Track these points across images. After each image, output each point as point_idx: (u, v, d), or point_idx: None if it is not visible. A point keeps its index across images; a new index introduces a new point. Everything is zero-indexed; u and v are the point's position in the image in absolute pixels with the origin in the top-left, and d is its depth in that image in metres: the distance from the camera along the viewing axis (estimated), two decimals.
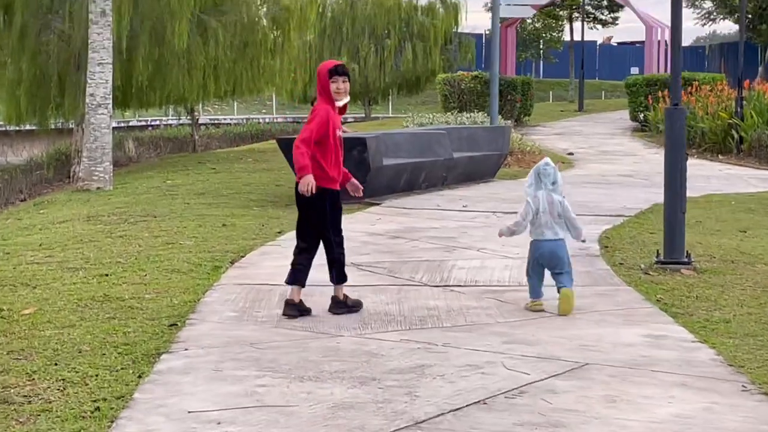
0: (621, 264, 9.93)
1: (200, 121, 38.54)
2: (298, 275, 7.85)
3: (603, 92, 64.07)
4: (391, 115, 59.45)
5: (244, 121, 52.47)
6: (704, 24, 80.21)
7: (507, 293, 8.45)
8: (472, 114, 28.41)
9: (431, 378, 5.87)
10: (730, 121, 25.63)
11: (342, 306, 7.77)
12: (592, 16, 54.73)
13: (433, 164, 16.80)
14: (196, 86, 23.54)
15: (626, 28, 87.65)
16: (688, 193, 10.36)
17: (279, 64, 26.97)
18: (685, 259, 9.79)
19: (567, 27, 60.50)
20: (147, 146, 31.42)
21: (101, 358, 6.36)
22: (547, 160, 8.02)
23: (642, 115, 34.68)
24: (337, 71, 7.65)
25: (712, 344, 6.71)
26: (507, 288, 8.70)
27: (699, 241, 11.25)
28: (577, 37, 55.23)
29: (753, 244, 11.53)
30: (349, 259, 8.94)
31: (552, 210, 7.81)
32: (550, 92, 59.06)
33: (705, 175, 20.72)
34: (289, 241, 11.36)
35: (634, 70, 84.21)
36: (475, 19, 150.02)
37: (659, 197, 16.16)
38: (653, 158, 25.46)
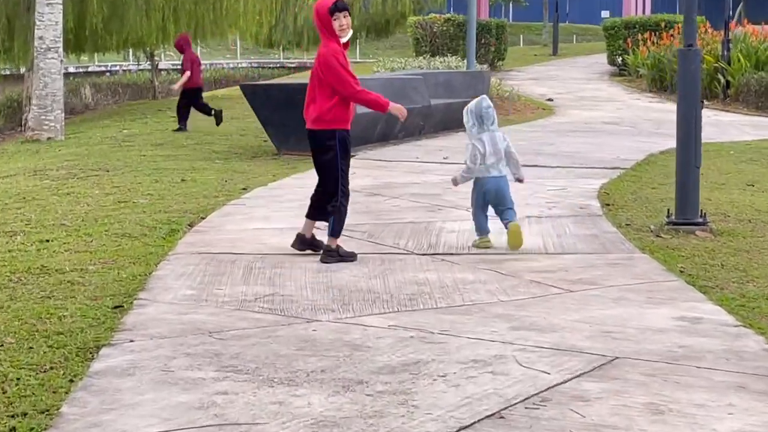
0: (628, 225, 8.87)
1: (161, 67, 37.19)
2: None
3: (574, 36, 62.84)
4: (358, 59, 58.21)
5: (208, 66, 51.01)
6: None
7: (505, 262, 7.38)
8: (445, 58, 27.24)
9: (430, 380, 4.79)
10: (716, 64, 24.57)
11: (334, 254, 7.43)
12: None
13: (409, 112, 15.61)
14: (155, 29, 22.21)
15: None
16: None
17: (243, 6, 25.63)
18: (700, 219, 8.74)
19: None
20: (105, 93, 30.08)
21: (27, 354, 5.24)
22: (486, 100, 8.07)
23: (620, 58, 33.58)
24: (338, 7, 7.35)
25: (759, 329, 5.67)
26: (504, 256, 7.63)
27: (707, 197, 10.20)
28: None
29: (767, 200, 10.51)
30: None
31: (497, 150, 7.93)
32: (521, 36, 57.80)
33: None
34: (254, 199, 10.27)
35: (605, 14, 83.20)
36: None
37: (652, 146, 15.28)
38: (635, 104, 24.48)
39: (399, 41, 58.50)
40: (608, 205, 9.93)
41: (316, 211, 7.73)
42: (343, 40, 7.49)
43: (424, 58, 28.17)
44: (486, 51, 32.42)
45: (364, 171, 12.36)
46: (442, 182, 11.43)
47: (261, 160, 13.84)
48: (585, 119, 20.25)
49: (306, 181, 11.46)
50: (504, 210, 7.94)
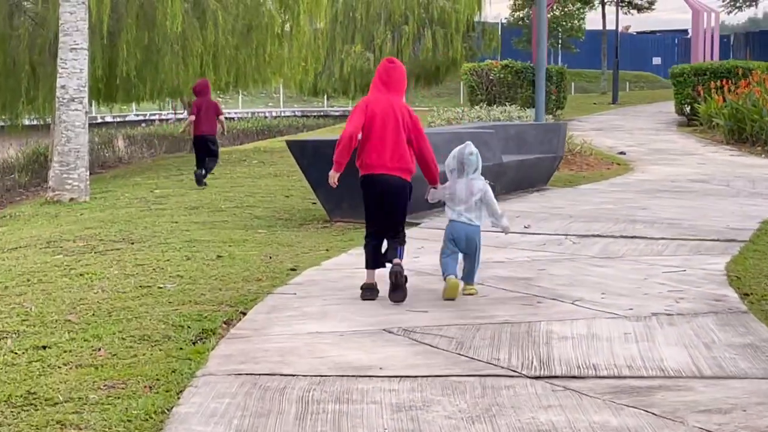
0: None
1: None
2: None
3: (627, 83, 61.09)
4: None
5: (249, 115, 49.56)
6: (729, 12, 77.53)
7: (655, 393, 5.46)
8: (505, 108, 25.44)
9: None
10: None
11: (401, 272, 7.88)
12: (627, 1, 51.45)
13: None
14: (192, 76, 20.48)
15: (643, 18, 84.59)
16: None
17: (288, 52, 23.96)
18: None
19: (588, 15, 57.43)
20: (139, 145, 28.45)
21: None
22: (470, 147, 8.06)
23: (689, 107, 31.66)
24: None
25: None
26: (647, 381, 5.71)
27: None
28: (600, 25, 52.25)
29: None
30: (393, 317, 6.36)
31: (469, 199, 7.98)
32: (572, 83, 56.04)
33: None
34: (306, 286, 8.44)
35: (656, 60, 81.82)
36: (494, 8, 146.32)
37: (760, 211, 13.34)
38: (716, 158, 22.51)
39: (446, 89, 56.87)
40: (747, 295, 7.99)
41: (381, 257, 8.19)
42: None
43: (481, 107, 26.39)
44: (546, 99, 30.57)
45: (434, 244, 10.51)
46: (530, 260, 9.58)
47: (310, 229, 12.03)
48: (668, 176, 18.31)
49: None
50: (467, 263, 8.07)
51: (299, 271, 9.15)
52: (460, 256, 8.06)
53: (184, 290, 8.34)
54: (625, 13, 52.05)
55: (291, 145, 12.53)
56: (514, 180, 14.98)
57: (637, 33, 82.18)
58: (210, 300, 7.95)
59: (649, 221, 12.14)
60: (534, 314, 7.30)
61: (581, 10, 59.51)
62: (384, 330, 6.84)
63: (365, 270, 8.11)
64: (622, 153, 23.19)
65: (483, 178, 8.10)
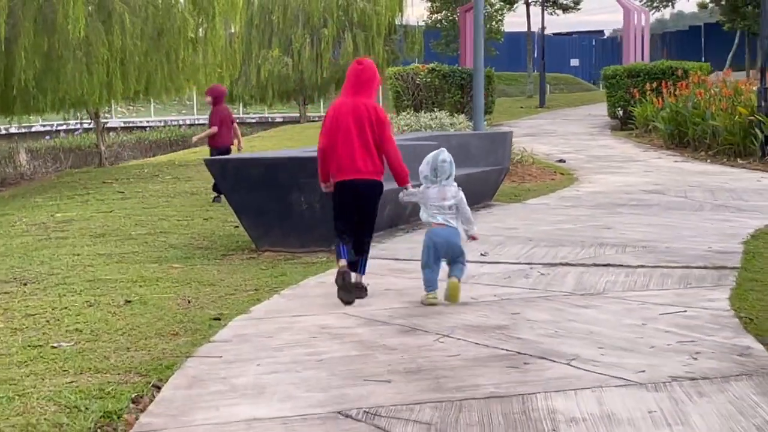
0: None
1: (111, 124, 33.75)
2: None
3: (548, 86, 60.23)
4: (322, 114, 54.98)
5: (162, 124, 47.69)
6: (652, 11, 77.40)
7: None
8: (434, 114, 24.04)
9: None
10: (752, 117, 21.47)
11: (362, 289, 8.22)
12: (551, 1, 50.41)
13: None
14: (98, 85, 18.77)
15: (557, 20, 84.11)
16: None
17: (202, 58, 22.32)
18: None
19: (507, 17, 56.55)
20: (44, 158, 26.52)
21: None
22: (444, 154, 8.14)
23: (621, 110, 30.64)
24: None
25: None
26: None
27: None
28: (516, 27, 51.27)
29: None
30: (349, 390, 5.36)
31: (442, 204, 8.00)
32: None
33: (748, 189, 16.55)
34: (235, 344, 6.90)
35: (574, 62, 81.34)
36: (413, 11, 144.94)
37: (735, 227, 12.04)
38: (662, 164, 21.38)
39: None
40: None
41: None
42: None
43: (408, 113, 24.98)
44: None
45: (380, 279, 9.05)
46: (498, 300, 8.13)
47: (234, 261, 10.47)
48: (619, 187, 17.04)
49: (304, 302, 8.16)
50: (453, 263, 8.06)
51: (225, 321, 7.61)
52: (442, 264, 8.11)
53: (83, 351, 6.77)
54: (551, 14, 51.02)
55: (211, 164, 10.95)
56: None
57: (554, 35, 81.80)
58: (115, 366, 6.39)
59: (620, 244, 10.78)
60: (524, 381, 5.83)
61: (500, 12, 58.58)
62: (340, 413, 5.33)
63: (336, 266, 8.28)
64: (561, 161, 21.95)
65: (456, 184, 8.12)
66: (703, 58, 50.46)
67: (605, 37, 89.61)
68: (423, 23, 49.73)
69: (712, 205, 14.50)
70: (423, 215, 8.15)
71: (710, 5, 53.07)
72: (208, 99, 16.67)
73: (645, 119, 27.74)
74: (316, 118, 48.44)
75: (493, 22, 58.89)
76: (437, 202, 8.01)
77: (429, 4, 53.35)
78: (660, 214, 13.46)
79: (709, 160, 21.94)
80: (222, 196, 14.02)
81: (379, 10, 37.74)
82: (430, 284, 8.00)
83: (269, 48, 38.29)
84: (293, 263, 10.17)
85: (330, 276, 9.27)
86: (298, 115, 43.34)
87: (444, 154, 8.12)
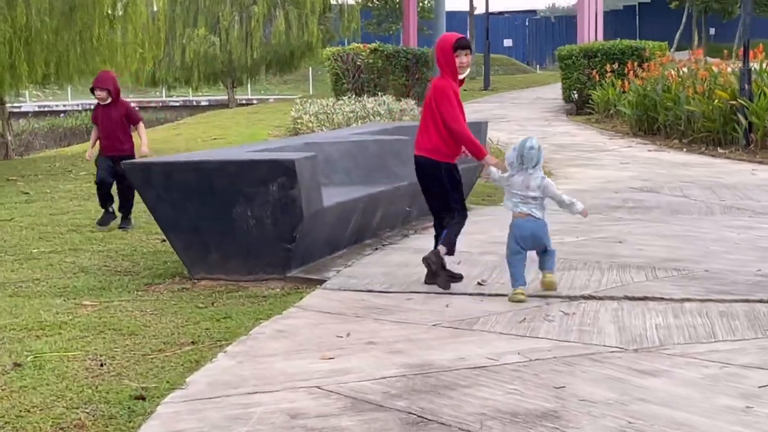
0: None
1: (24, 109, 31.15)
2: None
3: (481, 67, 58.44)
4: (250, 95, 52.54)
5: (79, 108, 44.99)
6: None
7: None
8: (380, 99, 21.94)
9: None
10: (733, 102, 19.60)
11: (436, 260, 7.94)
12: None
13: (393, 194, 10.25)
14: None
15: None
16: None
17: (121, 37, 19.91)
18: None
19: None
20: None
21: None
22: (532, 140, 7.76)
23: (576, 93, 28.76)
24: (461, 45, 7.86)
25: None
26: None
27: None
28: (451, 6, 49.15)
29: None
30: None
31: (526, 194, 7.70)
32: None
33: (749, 184, 14.67)
34: None
35: (508, 42, 79.76)
36: None
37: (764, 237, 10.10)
38: (636, 154, 19.50)
39: (293, 75, 53.03)
40: None
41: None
42: (461, 76, 8.01)
43: (349, 97, 22.82)
44: (423, 86, 27.25)
45: (358, 325, 6.92)
46: (527, 364, 6.02)
47: (162, 294, 8.24)
48: (602, 184, 15.06)
49: (260, 368, 5.99)
50: (542, 255, 7.91)
51: (150, 402, 5.42)
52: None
53: None
54: None
55: (131, 169, 8.65)
56: None
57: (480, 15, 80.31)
58: None
59: (645, 265, 8.74)
60: None
61: None
62: None
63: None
64: None
65: (542, 173, 7.82)
66: (638, 39, 49.00)
67: (538, 17, 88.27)
68: (358, 2, 47.57)
69: (721, 206, 12.56)
70: (507, 203, 7.87)
71: None
72: (102, 94, 11.47)
73: (606, 103, 25.90)
74: (245, 102, 46.08)
75: (426, 1, 57.07)
76: (521, 191, 7.70)
77: None
78: (668, 220, 11.47)
79: (685, 149, 20.08)
80: (131, 218, 11.57)
81: None
82: (518, 279, 7.66)
83: (195, 27, 35.84)
84: (238, 297, 7.98)
85: (289, 319, 7.14)
86: (226, 98, 40.95)
87: (532, 141, 7.72)
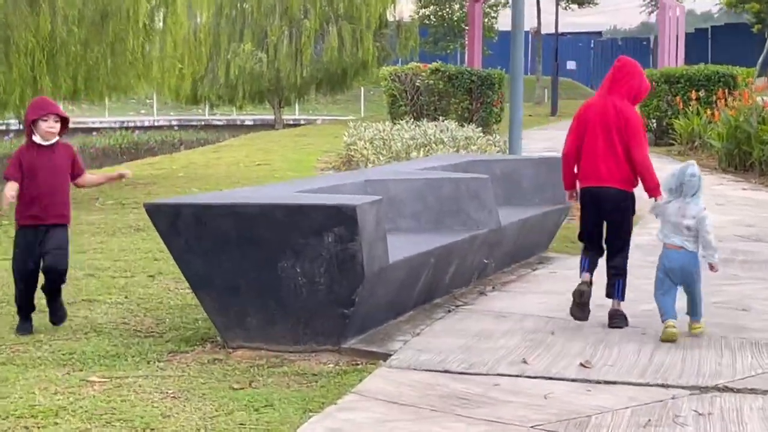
0: None
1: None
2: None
3: (545, 90, 57.16)
4: (297, 116, 51.46)
5: (117, 125, 44.20)
6: (651, 11, 74.90)
7: None
8: (445, 125, 20.66)
9: None
10: None
11: (621, 318, 7.86)
12: None
13: (470, 244, 8.94)
14: (19, 82, 15.13)
15: (550, 19, 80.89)
16: None
17: (159, 50, 18.79)
18: None
19: (503, 12, 53.61)
20: None
21: None
22: (694, 168, 7.65)
23: (654, 122, 27.32)
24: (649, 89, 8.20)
25: None
26: None
27: None
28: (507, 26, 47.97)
29: None
30: None
31: (680, 222, 7.55)
32: None
33: None
34: None
35: (571, 65, 78.48)
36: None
37: None
38: (730, 194, 18.05)
39: (344, 95, 51.85)
40: None
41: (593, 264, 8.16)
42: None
43: (407, 121, 21.57)
44: (488, 111, 25.96)
45: (435, 427, 5.63)
46: None
47: (189, 368, 6.97)
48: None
49: None
50: (688, 297, 7.68)
51: None
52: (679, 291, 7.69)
53: None
54: (564, 8, 47.80)
55: (154, 212, 7.37)
56: (511, 249, 10.13)
57: (547, 35, 79.10)
58: None
59: None
60: None
61: (496, 8, 55.68)
62: None
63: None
64: None
65: (702, 202, 7.68)
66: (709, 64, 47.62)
67: (603, 38, 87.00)
68: (415, 18, 46.47)
69: None
70: (659, 234, 7.73)
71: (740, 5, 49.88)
72: (56, 127, 7.73)
73: (690, 134, 24.44)
74: (292, 122, 44.99)
75: (486, 19, 55.87)
76: (675, 219, 7.57)
77: None
78: None
79: None
80: (30, 320, 7.99)
81: (369, 1, 34.26)
82: (667, 312, 7.51)
83: (240, 41, 34.78)
84: (282, 375, 6.70)
85: (347, 412, 5.85)
86: (273, 118, 39.86)
87: (693, 168, 7.61)
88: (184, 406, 6.03)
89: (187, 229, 7.22)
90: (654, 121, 27.48)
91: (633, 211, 8.04)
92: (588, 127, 7.86)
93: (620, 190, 7.81)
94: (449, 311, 8.38)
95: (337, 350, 7.14)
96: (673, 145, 25.68)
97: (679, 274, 7.56)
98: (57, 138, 7.80)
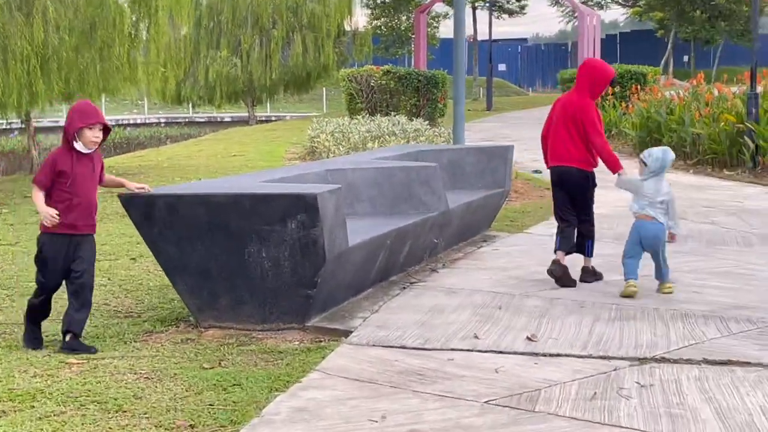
0: None
1: (45, 125, 29.11)
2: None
3: (480, 89, 56.59)
4: (269, 114, 50.58)
5: (114, 123, 43.15)
6: (568, 21, 74.45)
7: None
8: (397, 119, 20.05)
9: None
10: (740, 125, 17.68)
11: (590, 273, 7.94)
12: (498, 5, 46.44)
13: (422, 226, 8.32)
14: (15, 86, 14.33)
15: (481, 29, 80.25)
16: None
17: (143, 56, 18.00)
18: None
19: (443, 23, 53.10)
20: None
21: None
22: (672, 153, 7.62)
23: None
24: (614, 82, 8.11)
25: None
26: None
27: None
28: (450, 34, 47.41)
29: None
30: None
31: (655, 197, 7.48)
32: None
33: None
34: None
35: (502, 67, 77.88)
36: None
37: None
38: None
39: (308, 95, 50.97)
40: None
41: (567, 242, 7.89)
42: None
43: (364, 117, 20.91)
44: (433, 107, 25.34)
45: (392, 404, 5.02)
46: None
47: (163, 347, 6.32)
48: (624, 209, 13.03)
49: None
50: (657, 263, 7.59)
51: None
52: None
53: None
54: (497, 17, 47.20)
55: (128, 203, 6.72)
56: (458, 230, 9.52)
57: (481, 41, 78.66)
58: None
59: (710, 314, 6.86)
60: None
61: (437, 19, 55.13)
62: None
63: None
64: (537, 171, 17.96)
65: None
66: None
67: (529, 44, 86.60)
68: (369, 28, 45.70)
69: (757, 236, 10.64)
70: (633, 206, 7.63)
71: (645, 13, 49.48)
72: (99, 135, 6.38)
73: (608, 124, 23.92)
74: (264, 119, 44.16)
75: (429, 29, 55.19)
76: (651, 195, 7.48)
77: (369, 11, 49.72)
78: (709, 253, 9.53)
79: (691, 171, 18.13)
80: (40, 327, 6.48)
81: (329, 12, 33.45)
82: (631, 273, 7.49)
83: (218, 49, 33.90)
84: (250, 353, 6.07)
85: (311, 390, 5.23)
86: (247, 115, 39.02)
87: (672, 153, 7.61)
88: (156, 386, 5.38)
89: (160, 218, 6.56)
90: None
91: (592, 186, 7.94)
92: (554, 117, 7.96)
93: (579, 168, 7.79)
94: (404, 288, 7.77)
95: (301, 328, 6.51)
96: None
97: (651, 242, 7.48)
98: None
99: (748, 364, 5.65)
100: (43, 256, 6.25)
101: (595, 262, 8.22)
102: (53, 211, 6.10)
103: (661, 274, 7.58)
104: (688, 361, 5.73)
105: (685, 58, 59.89)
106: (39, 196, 6.19)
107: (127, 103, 48.66)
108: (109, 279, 8.46)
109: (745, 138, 17.54)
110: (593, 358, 5.83)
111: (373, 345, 6.12)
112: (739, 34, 46.44)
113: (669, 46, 47.18)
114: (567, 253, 7.86)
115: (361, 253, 7.02)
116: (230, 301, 6.53)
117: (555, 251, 7.87)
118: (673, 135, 19.67)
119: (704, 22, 42.39)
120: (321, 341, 6.32)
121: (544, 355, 5.90)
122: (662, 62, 45.17)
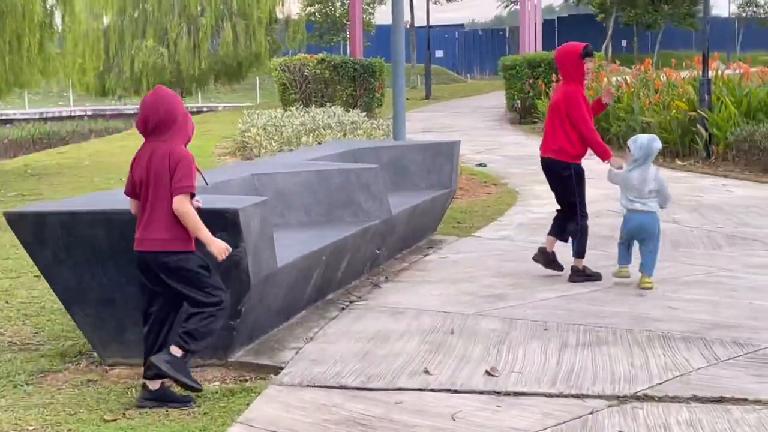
0: None
1: None
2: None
3: (418, 76, 55.94)
4: (201, 104, 49.37)
5: (38, 116, 41.74)
6: (506, 6, 74.22)
7: None
8: (333, 111, 19.18)
9: None
10: (692, 113, 17.09)
11: (581, 274, 7.63)
12: None
13: (362, 237, 7.47)
14: None
15: (418, 15, 79.68)
16: None
17: (59, 47, 16.94)
18: None
19: (379, 9, 52.42)
20: None
21: None
22: (658, 142, 7.48)
23: (518, 102, 26.19)
24: (587, 52, 7.54)
25: None
26: None
27: None
28: (385, 21, 46.64)
29: None
30: None
31: (642, 187, 7.35)
32: None
33: (729, 203, 12.08)
34: None
35: (439, 54, 77.38)
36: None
37: None
38: (594, 167, 16.63)
39: (241, 84, 49.84)
40: None
41: (557, 229, 7.76)
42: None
43: (297, 108, 20.02)
44: (370, 97, 24.52)
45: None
46: None
47: (61, 391, 5.43)
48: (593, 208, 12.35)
49: None
50: (643, 253, 7.47)
51: None
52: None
53: None
54: (435, 3, 46.50)
55: (16, 222, 5.78)
56: (402, 237, 8.70)
57: (418, 27, 78.10)
58: None
59: (689, 334, 6.12)
60: None
61: (372, 5, 54.43)
62: None
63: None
64: (481, 164, 17.25)
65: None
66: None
67: (466, 30, 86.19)
68: (302, 15, 44.71)
69: (723, 236, 9.96)
70: (622, 201, 7.53)
71: None
72: None
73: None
74: (196, 110, 42.98)
75: (364, 15, 54.36)
76: (639, 185, 7.34)
77: None
78: (677, 257, 8.79)
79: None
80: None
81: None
82: (624, 259, 7.57)
83: (143, 38, 32.73)
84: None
85: None
86: None
87: (658, 142, 7.46)
88: None
89: (53, 240, 5.64)
90: (518, 101, 26.36)
91: (573, 178, 7.61)
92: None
93: (554, 159, 7.60)
94: (343, 309, 6.93)
95: (224, 364, 5.65)
96: (536, 123, 24.53)
97: (635, 231, 7.44)
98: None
99: (744, 401, 4.91)
100: (207, 278, 5.03)
101: (601, 262, 7.80)
102: (224, 245, 5.02)
103: (643, 266, 7.44)
104: (675, 399, 4.97)
105: (623, 43, 59.67)
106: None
107: (53, 95, 47.19)
108: (6, 302, 7.51)
109: (698, 126, 16.95)
110: (564, 396, 5.05)
111: (307, 385, 5.29)
112: (681, 17, 46.22)
113: (610, 30, 46.72)
114: (558, 239, 7.77)
115: (292, 273, 6.16)
116: (139, 334, 5.63)
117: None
118: (621, 124, 19.07)
119: (647, 5, 42.06)
120: (246, 380, 5.47)
121: (508, 394, 5.11)
122: (603, 47, 44.69)
